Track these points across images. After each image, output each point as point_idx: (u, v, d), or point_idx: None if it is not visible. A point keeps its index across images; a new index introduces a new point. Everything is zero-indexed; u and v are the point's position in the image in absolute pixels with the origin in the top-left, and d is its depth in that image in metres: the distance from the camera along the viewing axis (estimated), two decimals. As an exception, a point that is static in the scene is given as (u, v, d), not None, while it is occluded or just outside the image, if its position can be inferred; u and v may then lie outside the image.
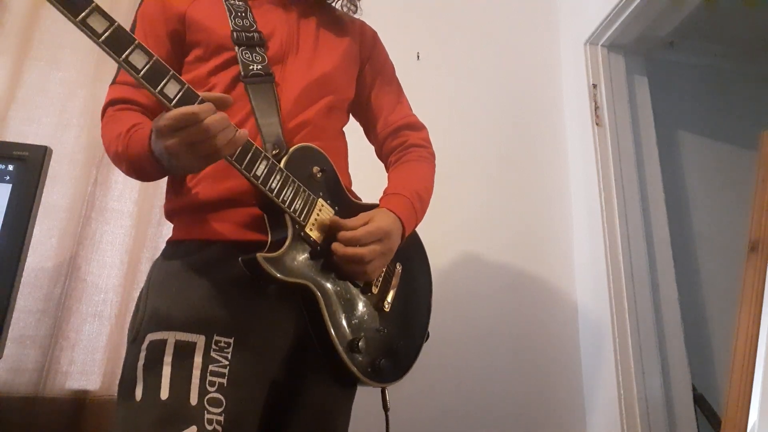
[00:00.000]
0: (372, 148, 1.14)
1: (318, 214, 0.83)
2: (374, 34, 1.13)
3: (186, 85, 0.68)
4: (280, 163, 0.79)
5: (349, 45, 1.03)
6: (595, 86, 1.83)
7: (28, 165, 1.14)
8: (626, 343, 1.56)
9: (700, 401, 1.64)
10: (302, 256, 0.79)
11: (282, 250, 0.76)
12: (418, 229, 1.06)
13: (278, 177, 0.77)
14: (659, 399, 1.53)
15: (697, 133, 2.25)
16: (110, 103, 0.87)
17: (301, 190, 0.81)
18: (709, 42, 2.35)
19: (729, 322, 1.25)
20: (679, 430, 1.53)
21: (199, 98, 0.68)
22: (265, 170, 0.76)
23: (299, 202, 0.80)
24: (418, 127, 1.11)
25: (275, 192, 0.77)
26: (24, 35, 1.55)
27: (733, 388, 1.13)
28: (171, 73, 0.67)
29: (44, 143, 1.18)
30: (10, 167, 1.13)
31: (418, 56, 1.88)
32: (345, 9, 1.09)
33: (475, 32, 1.98)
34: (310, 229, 0.81)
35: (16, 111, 1.49)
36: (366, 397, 0.94)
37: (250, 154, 0.74)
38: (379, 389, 0.91)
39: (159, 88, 0.66)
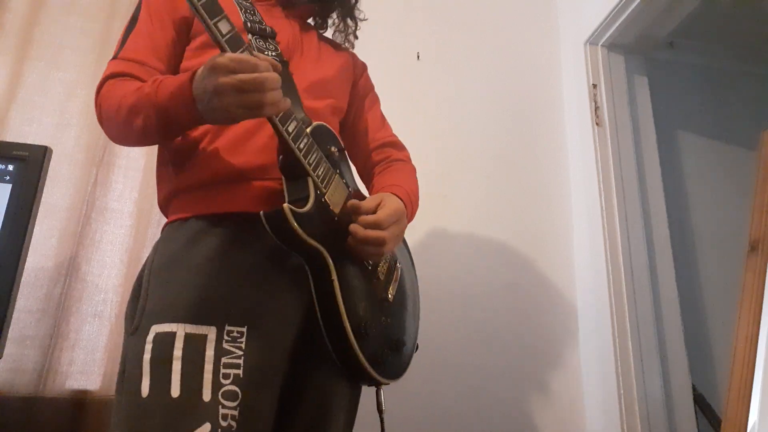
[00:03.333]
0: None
1: (336, 188, 0.84)
2: (364, 65, 1.17)
3: (234, 29, 0.70)
4: (306, 129, 0.80)
5: (346, 62, 1.08)
6: (595, 86, 1.83)
7: (28, 165, 1.14)
8: (626, 343, 1.55)
9: (700, 401, 1.64)
10: (321, 224, 0.77)
11: (307, 208, 0.75)
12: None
13: (306, 140, 0.78)
14: (659, 399, 1.53)
15: (697, 133, 2.25)
16: (111, 75, 0.84)
17: (324, 159, 0.82)
18: (709, 42, 2.34)
19: (729, 322, 1.25)
20: (679, 430, 1.53)
21: (254, 49, 0.72)
22: (295, 130, 0.76)
23: (322, 169, 0.81)
24: (400, 146, 1.15)
25: (303, 152, 0.77)
26: (24, 35, 1.55)
27: (733, 388, 1.13)
28: (224, 13, 0.70)
29: (44, 143, 1.18)
30: (10, 167, 1.13)
31: (418, 56, 1.88)
32: (340, 41, 1.14)
33: (475, 32, 1.98)
34: (330, 198, 0.81)
35: (16, 111, 1.49)
36: (362, 398, 0.94)
37: (283, 111, 0.74)
38: (373, 390, 0.89)
39: (215, 21, 0.68)
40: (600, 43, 1.87)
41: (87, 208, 1.46)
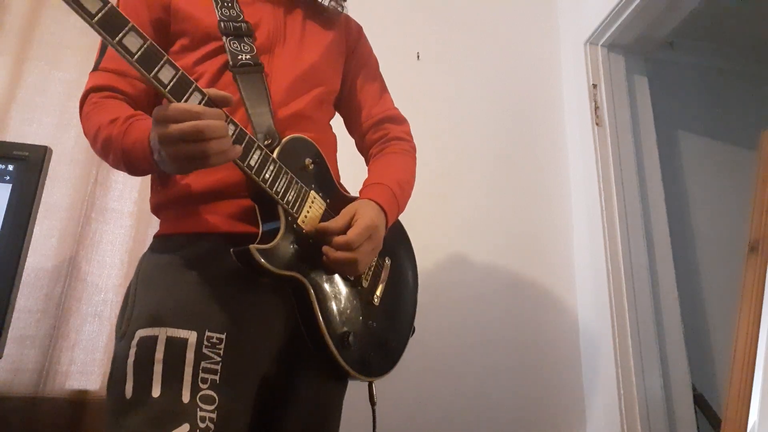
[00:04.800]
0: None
1: (310, 206, 0.83)
2: (359, 28, 1.13)
3: (180, 71, 0.66)
4: (273, 154, 0.78)
5: (335, 37, 1.03)
6: (595, 86, 1.83)
7: (28, 165, 1.14)
8: (626, 343, 1.56)
9: (700, 401, 1.64)
10: (294, 248, 0.78)
11: (274, 241, 0.76)
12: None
13: (272, 167, 0.77)
14: (659, 399, 1.53)
15: (697, 133, 2.25)
16: (93, 89, 0.83)
17: (294, 181, 0.80)
18: (709, 42, 2.35)
19: (729, 322, 1.25)
20: (679, 430, 1.53)
21: (206, 97, 0.68)
22: (259, 160, 0.75)
23: (292, 193, 0.80)
24: (399, 120, 1.12)
25: (269, 183, 0.76)
26: (24, 35, 1.55)
27: (733, 388, 1.13)
28: (165, 58, 0.65)
29: (44, 143, 1.18)
30: (10, 167, 1.13)
31: (418, 56, 1.88)
32: (331, 6, 1.08)
33: (475, 32, 1.98)
34: (302, 221, 0.81)
35: (16, 111, 1.49)
36: (354, 392, 0.94)
37: (244, 143, 0.72)
38: (366, 383, 0.91)
39: (153, 72, 0.64)
40: (600, 43, 1.87)
41: (87, 208, 1.46)
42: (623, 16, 1.72)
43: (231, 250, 0.74)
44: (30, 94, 1.52)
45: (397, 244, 1.02)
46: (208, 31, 0.88)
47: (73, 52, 1.58)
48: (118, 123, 0.77)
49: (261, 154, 0.75)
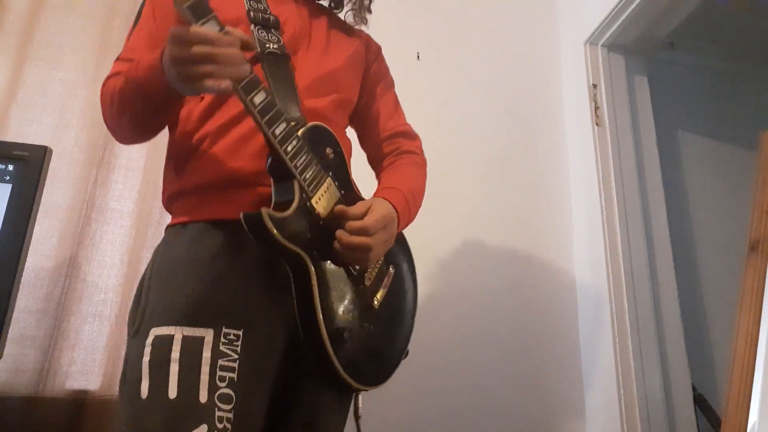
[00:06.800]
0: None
1: (325, 192, 0.82)
2: (379, 48, 1.15)
3: (225, 28, 0.67)
4: (297, 132, 0.78)
5: (357, 50, 1.05)
6: (595, 86, 1.83)
7: (28, 165, 1.14)
8: (626, 343, 1.56)
9: (700, 401, 1.64)
10: (303, 227, 0.77)
11: (288, 212, 0.74)
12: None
13: (295, 143, 0.77)
14: (659, 399, 1.53)
15: (697, 133, 2.25)
16: (110, 76, 0.85)
17: (314, 162, 0.80)
18: (709, 42, 2.35)
19: (729, 322, 1.25)
20: (679, 430, 1.53)
21: (224, 29, 0.68)
22: (284, 132, 0.75)
23: (311, 172, 0.79)
24: (412, 136, 1.13)
25: (290, 155, 0.76)
26: (24, 35, 1.55)
27: (733, 388, 1.13)
28: (212, 14, 0.67)
29: (44, 143, 1.18)
30: (10, 167, 1.13)
31: (418, 56, 1.88)
32: (354, 21, 1.11)
33: (475, 32, 1.98)
34: (317, 202, 0.80)
35: (16, 111, 1.49)
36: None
37: (272, 112, 0.73)
38: (352, 394, 0.88)
39: (201, 22, 0.65)
40: (600, 43, 1.87)
41: (87, 208, 1.46)
42: (623, 16, 1.72)
43: (241, 213, 0.71)
44: (30, 94, 1.51)
45: (401, 258, 1.01)
46: (237, 17, 0.88)
47: (73, 52, 1.58)
48: (123, 71, 0.78)
49: (287, 127, 0.75)
